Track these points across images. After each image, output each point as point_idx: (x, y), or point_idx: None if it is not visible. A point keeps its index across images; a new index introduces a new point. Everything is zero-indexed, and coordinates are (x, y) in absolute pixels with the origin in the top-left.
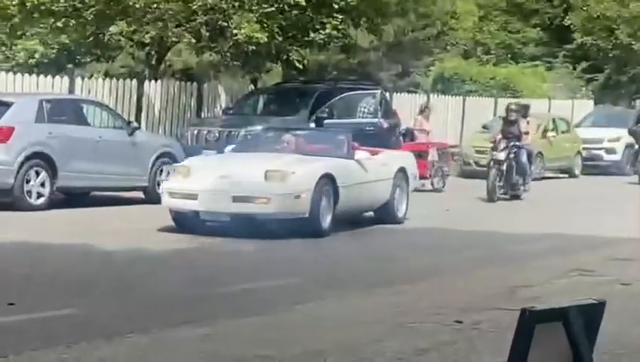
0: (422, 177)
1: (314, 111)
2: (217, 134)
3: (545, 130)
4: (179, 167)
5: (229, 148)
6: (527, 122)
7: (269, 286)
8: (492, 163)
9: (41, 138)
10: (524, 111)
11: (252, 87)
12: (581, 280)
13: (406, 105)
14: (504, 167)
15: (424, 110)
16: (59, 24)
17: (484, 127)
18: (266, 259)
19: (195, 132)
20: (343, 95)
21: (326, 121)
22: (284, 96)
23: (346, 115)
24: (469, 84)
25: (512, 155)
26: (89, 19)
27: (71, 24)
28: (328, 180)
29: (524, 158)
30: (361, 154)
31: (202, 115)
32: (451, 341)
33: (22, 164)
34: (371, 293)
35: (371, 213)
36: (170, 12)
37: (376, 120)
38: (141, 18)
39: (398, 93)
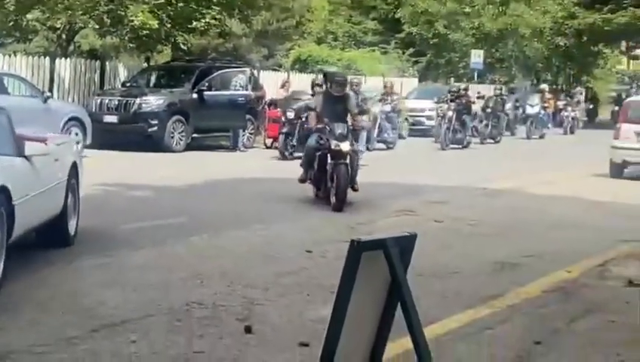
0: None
1: (196, 85)
2: (117, 102)
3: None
4: None
5: None
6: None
7: None
8: (334, 157)
9: None
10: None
11: (145, 64)
12: (405, 218)
13: (271, 81)
14: (348, 161)
15: (284, 85)
16: None
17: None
18: None
19: (99, 101)
20: (219, 72)
21: (206, 93)
22: (172, 72)
23: (223, 88)
24: (321, 65)
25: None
26: (10, 9)
27: None
28: (2, 197)
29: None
30: (33, 147)
31: (104, 87)
32: (303, 267)
33: None
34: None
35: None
36: (78, 2)
37: (246, 92)
38: (53, 7)
39: (264, 72)
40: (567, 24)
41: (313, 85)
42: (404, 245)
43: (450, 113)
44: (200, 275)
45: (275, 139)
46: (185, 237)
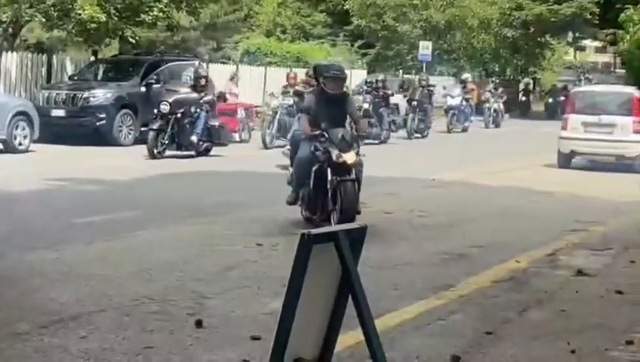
0: (232, 132)
1: (144, 78)
2: (64, 96)
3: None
4: None
5: None
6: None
7: None
8: (337, 172)
9: None
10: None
11: (93, 58)
12: None
13: (219, 74)
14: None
15: (233, 77)
16: None
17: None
18: None
19: (46, 94)
20: (167, 65)
21: (154, 86)
22: (120, 65)
23: (171, 81)
24: (270, 57)
25: None
26: None
27: None
28: None
29: None
30: None
31: (52, 81)
32: (253, 260)
33: None
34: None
35: None
36: None
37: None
38: None
39: (213, 64)
40: (514, 15)
41: (198, 78)
42: (355, 237)
43: (365, 106)
44: (150, 269)
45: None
46: (135, 231)
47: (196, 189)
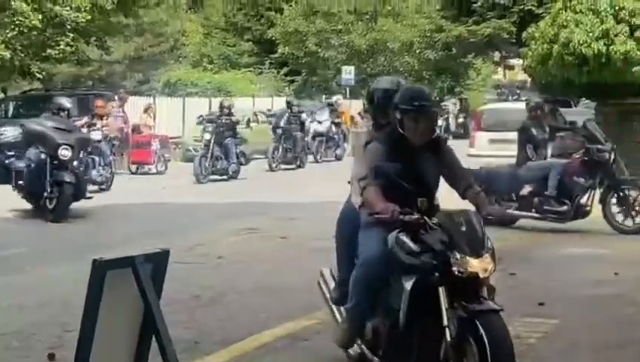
0: (147, 163)
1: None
2: None
3: (249, 121)
4: None
5: None
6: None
7: None
8: (464, 294)
9: None
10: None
11: (2, 95)
12: (251, 236)
13: (137, 107)
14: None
15: (147, 109)
16: None
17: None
18: None
19: None
20: (78, 99)
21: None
22: (30, 102)
23: (82, 115)
24: (191, 88)
25: None
26: None
27: None
28: None
29: None
30: None
31: None
32: None
33: None
34: None
35: None
36: None
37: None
38: None
39: (133, 97)
40: (435, 37)
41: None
42: (157, 262)
43: (207, 136)
44: (23, 305)
45: (141, 163)
46: (26, 266)
47: (123, 220)
